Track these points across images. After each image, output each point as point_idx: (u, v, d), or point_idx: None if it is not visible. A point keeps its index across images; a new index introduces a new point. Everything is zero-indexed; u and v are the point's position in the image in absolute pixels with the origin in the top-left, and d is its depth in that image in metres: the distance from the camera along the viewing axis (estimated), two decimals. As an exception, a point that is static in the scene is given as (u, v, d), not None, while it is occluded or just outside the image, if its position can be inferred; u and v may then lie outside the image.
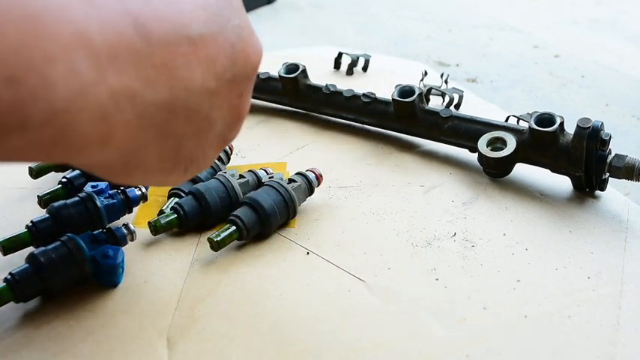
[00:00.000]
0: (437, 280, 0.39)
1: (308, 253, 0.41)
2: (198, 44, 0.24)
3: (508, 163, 0.48)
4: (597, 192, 0.48)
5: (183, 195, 0.44)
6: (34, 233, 0.39)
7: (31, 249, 0.39)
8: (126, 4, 0.22)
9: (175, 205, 0.42)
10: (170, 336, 0.34)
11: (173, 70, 0.23)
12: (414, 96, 0.53)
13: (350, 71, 0.73)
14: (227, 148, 0.50)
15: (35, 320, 0.35)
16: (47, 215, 0.40)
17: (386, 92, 0.56)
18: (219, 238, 0.39)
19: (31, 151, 0.20)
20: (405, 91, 0.54)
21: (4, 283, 0.35)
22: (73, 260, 0.36)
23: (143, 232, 0.42)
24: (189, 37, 0.23)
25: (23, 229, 0.40)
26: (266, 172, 0.46)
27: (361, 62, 0.75)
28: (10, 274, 0.35)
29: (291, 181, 0.44)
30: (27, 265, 0.35)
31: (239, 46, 0.26)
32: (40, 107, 0.19)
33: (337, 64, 0.75)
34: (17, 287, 0.34)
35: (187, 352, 0.33)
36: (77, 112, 0.20)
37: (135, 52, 0.22)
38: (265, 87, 0.61)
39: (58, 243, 0.36)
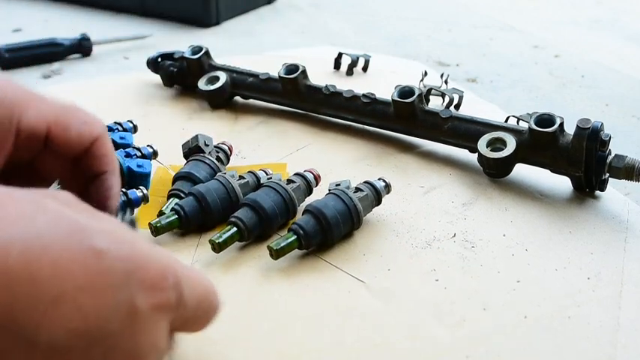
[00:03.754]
0: (437, 280, 0.39)
1: (308, 253, 0.41)
2: (40, 349, 0.21)
3: (508, 163, 0.48)
4: (597, 192, 0.48)
5: (183, 196, 0.44)
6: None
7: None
8: None
9: (176, 206, 0.42)
10: (170, 337, 0.34)
11: None
12: (414, 96, 0.53)
13: (350, 71, 0.73)
14: (226, 148, 0.50)
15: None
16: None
17: (386, 93, 0.56)
18: (220, 240, 0.39)
19: None
20: (405, 92, 0.54)
21: None
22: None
23: (144, 234, 0.42)
24: (32, 340, 0.21)
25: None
26: (265, 173, 0.46)
27: (361, 62, 0.75)
28: None
29: (289, 182, 0.44)
30: None
31: None
32: None
33: (337, 65, 0.75)
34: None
35: (187, 352, 0.33)
36: None
37: None
38: (265, 88, 0.61)
39: None
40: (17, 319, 0.20)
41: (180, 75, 0.66)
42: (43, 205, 0.22)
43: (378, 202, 0.44)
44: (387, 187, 0.44)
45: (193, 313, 0.26)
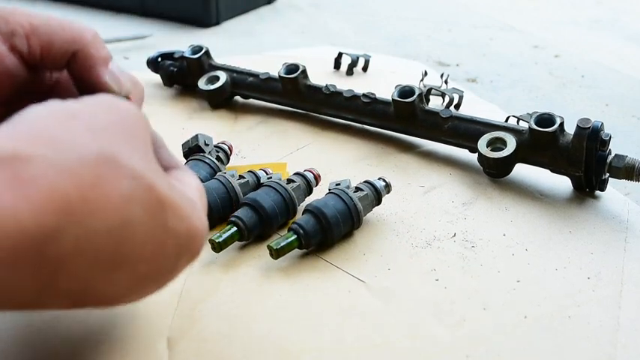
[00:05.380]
0: (437, 280, 0.39)
1: (308, 253, 0.41)
2: None
3: (508, 163, 0.48)
4: (597, 192, 0.48)
5: (183, 195, 0.44)
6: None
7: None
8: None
9: (175, 206, 0.42)
10: (170, 336, 0.34)
11: None
12: (414, 96, 0.52)
13: (350, 71, 0.73)
14: (226, 148, 0.50)
15: (35, 321, 0.35)
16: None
17: (386, 92, 0.56)
18: (220, 239, 0.39)
19: None
20: (405, 92, 0.54)
21: None
22: None
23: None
24: None
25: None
26: (265, 172, 0.46)
27: (361, 62, 0.75)
28: None
29: (289, 181, 0.44)
30: None
31: None
32: None
33: (337, 64, 0.75)
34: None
35: (187, 352, 0.33)
36: None
37: None
38: (265, 87, 0.61)
39: None
40: (91, 283, 0.23)
41: (181, 75, 0.66)
42: (137, 181, 0.23)
43: (378, 201, 0.44)
44: (387, 187, 0.44)
45: None
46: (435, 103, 0.63)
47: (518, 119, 0.55)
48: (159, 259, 0.25)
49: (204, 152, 0.48)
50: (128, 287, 0.25)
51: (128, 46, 0.85)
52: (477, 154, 0.49)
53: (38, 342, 0.33)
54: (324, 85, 0.58)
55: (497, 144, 0.48)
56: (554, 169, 0.47)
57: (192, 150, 0.48)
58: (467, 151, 0.52)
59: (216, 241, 0.39)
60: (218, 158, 0.48)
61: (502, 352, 0.33)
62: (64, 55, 0.32)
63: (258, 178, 0.45)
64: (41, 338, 0.34)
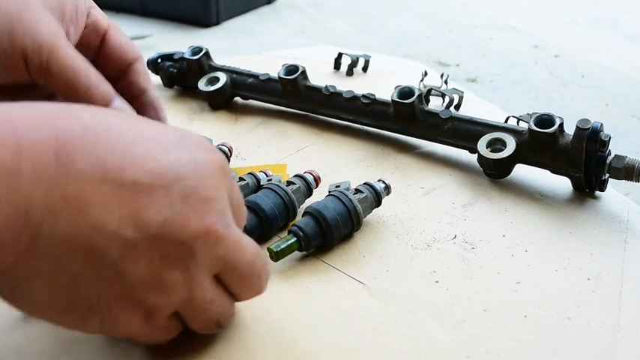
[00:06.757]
0: (437, 282, 0.39)
1: (307, 255, 0.41)
2: (127, 190, 0.23)
3: (508, 164, 0.48)
4: (597, 192, 0.48)
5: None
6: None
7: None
8: (57, 132, 0.22)
9: (175, 208, 0.42)
10: (170, 338, 0.34)
11: (85, 207, 0.22)
12: (414, 97, 0.52)
13: (350, 72, 0.73)
14: (226, 149, 0.50)
15: (35, 322, 0.35)
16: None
17: (386, 93, 0.56)
18: (219, 241, 0.39)
19: None
20: (405, 92, 0.54)
21: None
22: None
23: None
24: (118, 180, 0.23)
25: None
26: (265, 174, 0.46)
27: (361, 62, 0.75)
28: None
29: (289, 183, 0.44)
30: None
31: (179, 208, 0.25)
32: None
33: (337, 65, 0.75)
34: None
35: (187, 351, 0.33)
36: None
37: (45, 179, 0.21)
38: (265, 88, 0.61)
39: None
40: (106, 164, 0.24)
41: (180, 76, 0.66)
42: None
43: (378, 203, 0.44)
44: (387, 189, 0.44)
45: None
46: (435, 104, 0.63)
47: (518, 120, 0.55)
48: (162, 146, 0.26)
49: (204, 154, 0.48)
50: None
51: (128, 47, 0.85)
52: (476, 155, 0.49)
53: (38, 341, 0.33)
54: (324, 85, 0.58)
55: (497, 145, 0.48)
56: (554, 170, 0.47)
57: (192, 151, 0.48)
58: (467, 152, 0.52)
59: (217, 243, 0.39)
60: (218, 160, 0.48)
61: (502, 353, 0.33)
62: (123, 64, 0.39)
63: (258, 180, 0.45)
64: (40, 338, 0.34)
